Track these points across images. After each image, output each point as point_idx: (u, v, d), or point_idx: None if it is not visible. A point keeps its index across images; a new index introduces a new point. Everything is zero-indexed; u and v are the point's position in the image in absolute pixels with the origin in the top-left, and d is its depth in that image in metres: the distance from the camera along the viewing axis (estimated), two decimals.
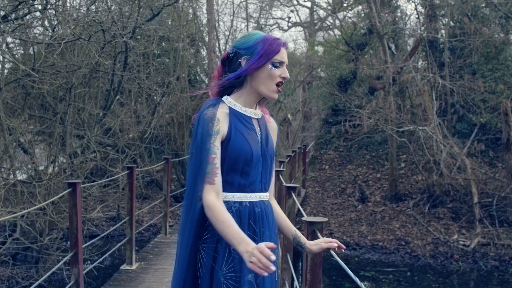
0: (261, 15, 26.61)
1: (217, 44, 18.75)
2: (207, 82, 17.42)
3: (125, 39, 9.55)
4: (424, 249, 12.74)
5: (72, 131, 10.52)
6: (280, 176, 7.41)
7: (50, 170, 10.27)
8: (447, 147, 13.82)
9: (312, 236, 3.46)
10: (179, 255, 2.30)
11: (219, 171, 2.23)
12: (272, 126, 2.53)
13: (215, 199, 2.20)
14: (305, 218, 3.58)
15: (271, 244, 1.99)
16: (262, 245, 1.98)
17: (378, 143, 17.84)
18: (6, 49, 8.97)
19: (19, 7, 8.06)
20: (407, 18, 20.19)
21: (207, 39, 17.57)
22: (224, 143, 2.27)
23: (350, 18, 22.62)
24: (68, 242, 6.26)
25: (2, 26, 7.40)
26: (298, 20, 30.73)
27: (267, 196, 2.43)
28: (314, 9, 27.92)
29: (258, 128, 2.40)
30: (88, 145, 10.71)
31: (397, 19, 18.23)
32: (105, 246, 11.20)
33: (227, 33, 22.93)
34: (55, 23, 9.38)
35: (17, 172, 10.12)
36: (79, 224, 5.44)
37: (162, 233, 9.36)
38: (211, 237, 2.26)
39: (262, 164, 2.37)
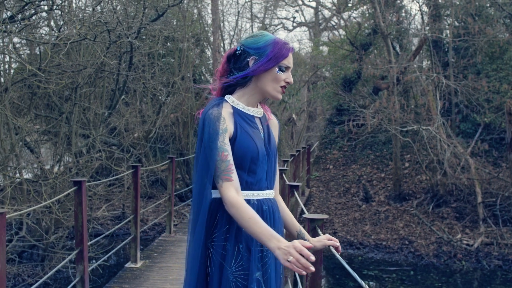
0: (266, 15, 26.67)
1: (222, 44, 18.81)
2: (212, 82, 17.46)
3: (130, 39, 9.63)
4: (428, 248, 12.78)
5: (78, 131, 10.61)
6: (284, 175, 7.48)
7: (56, 169, 10.36)
8: (451, 146, 13.84)
9: (313, 233, 3.53)
10: (189, 255, 2.31)
11: (234, 168, 2.24)
12: (274, 122, 2.55)
13: (237, 195, 2.20)
14: (306, 215, 3.65)
15: (308, 244, 1.99)
16: (299, 244, 1.98)
17: (383, 143, 17.87)
18: (13, 49, 9.04)
19: (26, 7, 8.15)
20: (411, 18, 20.19)
21: (212, 39, 17.63)
22: (231, 142, 2.28)
23: (354, 18, 22.66)
24: (74, 241, 6.33)
25: (9, 26, 7.48)
26: (303, 20, 30.77)
27: (273, 193, 2.45)
28: (319, 9, 27.97)
29: (261, 127, 2.43)
30: (93, 145, 10.79)
31: (401, 19, 18.26)
32: (110, 245, 11.30)
33: (231, 33, 22.99)
34: (61, 24, 9.47)
35: (23, 171, 10.21)
36: (84, 222, 5.51)
37: (167, 232, 9.42)
38: (220, 235, 2.28)
39: (267, 162, 2.40)
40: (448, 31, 16.53)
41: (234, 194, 2.19)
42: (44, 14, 9.59)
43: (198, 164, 2.29)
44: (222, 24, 20.86)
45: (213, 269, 2.26)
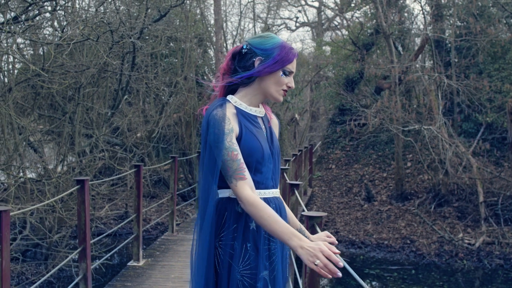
0: (269, 15, 26.72)
1: (224, 45, 18.87)
2: (213, 81, 17.50)
3: (132, 39, 9.69)
4: (429, 247, 12.82)
5: (81, 130, 10.67)
6: (285, 174, 7.53)
7: (59, 169, 10.43)
8: (453, 146, 13.87)
9: (311, 230, 3.59)
10: (197, 255, 2.30)
11: (245, 166, 2.24)
12: (274, 121, 2.57)
13: (253, 194, 2.21)
14: (305, 212, 3.71)
15: (336, 249, 1.99)
16: (327, 249, 1.97)
17: (385, 143, 17.91)
18: (17, 50, 9.12)
19: (30, 8, 8.22)
20: (413, 18, 20.23)
21: (214, 39, 17.71)
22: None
23: (357, 18, 22.69)
24: (77, 240, 6.40)
25: (12, 27, 7.55)
26: (306, 20, 30.82)
27: (278, 192, 2.46)
28: (322, 9, 28.02)
29: (264, 126, 2.44)
30: (96, 144, 10.86)
31: (403, 19, 18.29)
32: (113, 244, 11.36)
33: (234, 33, 23.05)
34: (65, 24, 9.53)
35: (27, 170, 10.28)
36: (87, 220, 5.58)
37: (169, 231, 9.47)
38: (228, 235, 2.29)
39: (272, 161, 2.41)
40: (450, 31, 16.56)
41: (251, 193, 2.20)
42: (47, 14, 9.66)
43: (204, 164, 2.31)
44: (224, 24, 20.94)
45: (222, 269, 2.28)
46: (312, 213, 3.64)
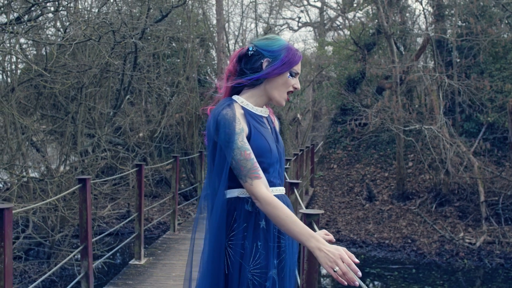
0: (271, 16, 26.75)
1: (226, 45, 18.93)
2: (216, 81, 17.55)
3: (134, 40, 9.75)
4: (430, 247, 12.85)
5: (83, 130, 10.73)
6: (285, 173, 7.58)
7: (61, 168, 10.49)
8: (454, 146, 13.91)
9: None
10: (207, 256, 2.29)
11: (258, 165, 2.24)
12: (275, 122, 2.60)
13: (270, 193, 2.21)
14: (303, 210, 3.76)
15: (356, 259, 2.00)
16: (347, 257, 1.99)
17: (386, 143, 17.95)
18: (19, 50, 9.18)
19: (32, 9, 8.29)
20: (415, 18, 20.27)
21: (216, 39, 17.75)
22: None
23: (359, 18, 22.73)
24: (79, 240, 6.46)
25: (15, 27, 7.62)
26: (308, 20, 30.84)
27: (284, 190, 2.46)
28: (324, 9, 28.03)
29: (268, 126, 2.46)
30: (98, 144, 10.92)
31: (405, 19, 18.33)
32: (115, 243, 11.42)
33: (236, 33, 23.10)
34: (67, 25, 9.59)
35: (29, 170, 10.34)
36: (89, 219, 5.64)
37: (171, 230, 9.52)
38: (238, 234, 2.27)
39: (278, 160, 2.42)
40: (451, 31, 16.59)
41: (268, 192, 2.20)
42: (50, 15, 9.72)
43: (213, 164, 2.30)
44: (226, 24, 20.99)
45: (233, 269, 2.26)
46: (310, 211, 3.68)
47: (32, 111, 10.34)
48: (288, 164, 9.89)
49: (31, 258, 10.28)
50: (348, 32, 21.25)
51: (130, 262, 7.40)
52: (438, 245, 12.87)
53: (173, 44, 16.02)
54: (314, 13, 35.50)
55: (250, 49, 2.40)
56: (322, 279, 11.75)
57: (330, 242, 2.45)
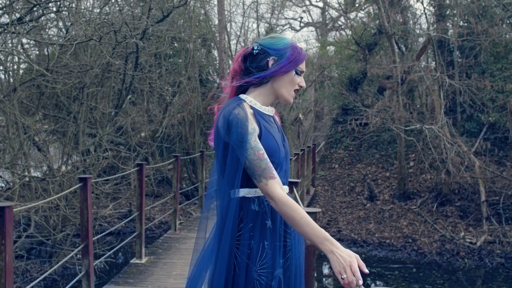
0: (273, 16, 26.78)
1: (228, 45, 18.97)
2: (218, 81, 17.61)
3: (135, 40, 9.79)
4: (431, 246, 12.88)
5: (85, 130, 10.78)
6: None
7: (63, 168, 10.54)
8: (455, 146, 13.93)
9: None
10: (218, 257, 2.27)
11: (272, 165, 2.23)
12: (279, 121, 2.60)
13: (285, 193, 2.20)
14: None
15: (365, 269, 2.00)
16: (356, 266, 1.99)
17: (388, 142, 17.98)
18: (21, 50, 9.24)
19: (34, 9, 8.34)
20: (416, 18, 20.29)
21: (218, 39, 17.78)
22: None
23: (361, 18, 22.75)
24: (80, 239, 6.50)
25: (17, 27, 7.67)
26: (310, 20, 30.86)
27: (287, 189, 2.44)
28: (326, 9, 28.06)
29: (275, 125, 2.45)
30: (100, 144, 10.96)
31: (407, 19, 18.35)
32: (117, 242, 11.47)
33: (238, 33, 23.13)
34: (69, 25, 9.64)
35: (31, 169, 10.39)
36: (90, 217, 5.68)
37: (172, 229, 9.57)
38: (245, 234, 2.26)
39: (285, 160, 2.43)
40: (452, 31, 16.61)
41: (283, 192, 2.19)
42: (52, 15, 9.77)
43: (225, 165, 2.29)
44: (228, 24, 21.02)
45: (240, 270, 2.25)
46: (307, 209, 3.72)
47: (34, 111, 10.38)
48: None
49: (33, 257, 10.33)
50: (350, 32, 21.28)
51: (131, 261, 7.45)
52: (438, 245, 12.90)
53: (175, 44, 16.07)
54: (316, 13, 35.53)
55: (255, 48, 2.40)
56: (324, 279, 11.80)
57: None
